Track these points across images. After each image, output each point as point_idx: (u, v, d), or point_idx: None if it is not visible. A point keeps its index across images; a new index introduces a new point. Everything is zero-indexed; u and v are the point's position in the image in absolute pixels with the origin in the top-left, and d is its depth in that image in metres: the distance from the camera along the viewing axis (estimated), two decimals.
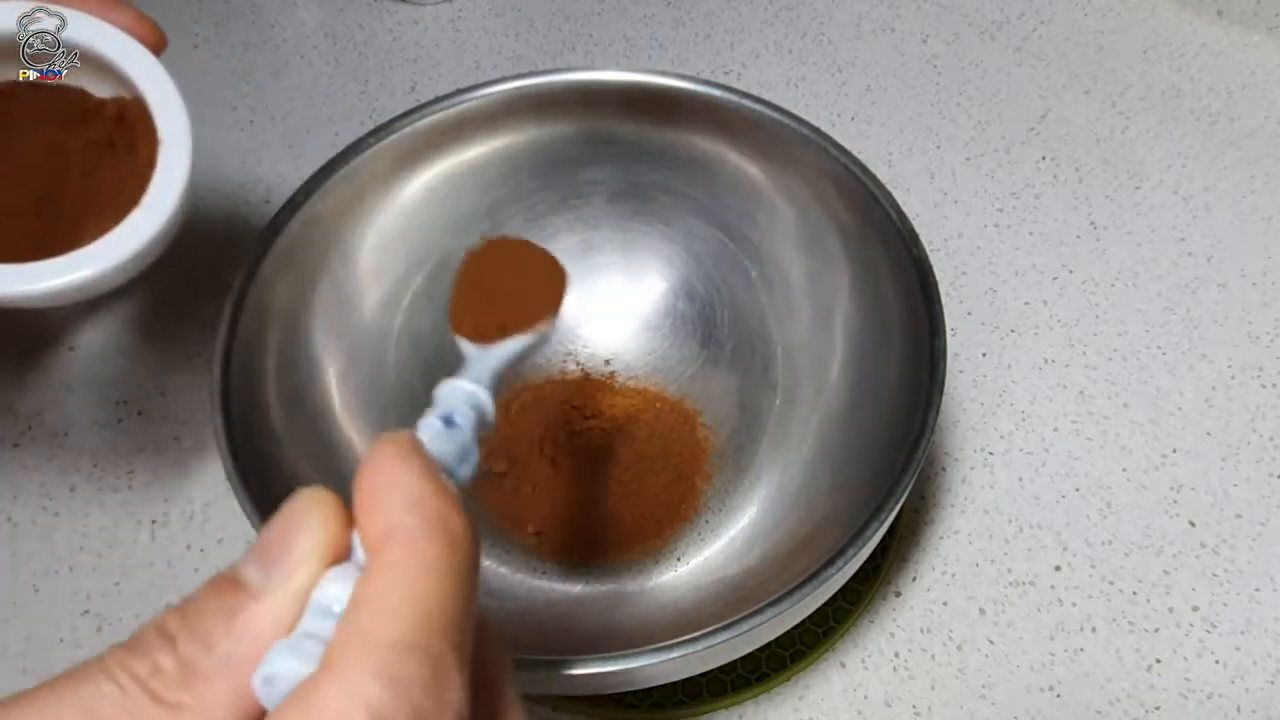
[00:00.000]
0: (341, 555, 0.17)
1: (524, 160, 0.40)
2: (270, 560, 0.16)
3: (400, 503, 0.16)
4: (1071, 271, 0.47)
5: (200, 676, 0.15)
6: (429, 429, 0.19)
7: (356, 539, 0.17)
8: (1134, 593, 0.38)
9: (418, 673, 0.15)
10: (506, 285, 0.24)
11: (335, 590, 0.16)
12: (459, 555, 0.16)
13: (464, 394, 0.21)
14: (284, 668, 0.15)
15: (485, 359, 0.22)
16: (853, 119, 0.53)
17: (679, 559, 0.37)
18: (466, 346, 0.23)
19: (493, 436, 0.41)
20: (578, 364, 0.42)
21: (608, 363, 0.42)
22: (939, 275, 0.33)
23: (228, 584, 0.16)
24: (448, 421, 0.20)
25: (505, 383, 0.42)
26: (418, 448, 0.17)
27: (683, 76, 0.38)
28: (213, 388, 0.32)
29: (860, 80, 0.54)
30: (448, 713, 0.15)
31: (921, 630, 0.38)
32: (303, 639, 0.16)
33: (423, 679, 0.15)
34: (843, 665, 0.37)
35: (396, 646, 0.15)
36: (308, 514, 0.17)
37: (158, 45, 0.30)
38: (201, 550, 0.40)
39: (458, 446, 0.19)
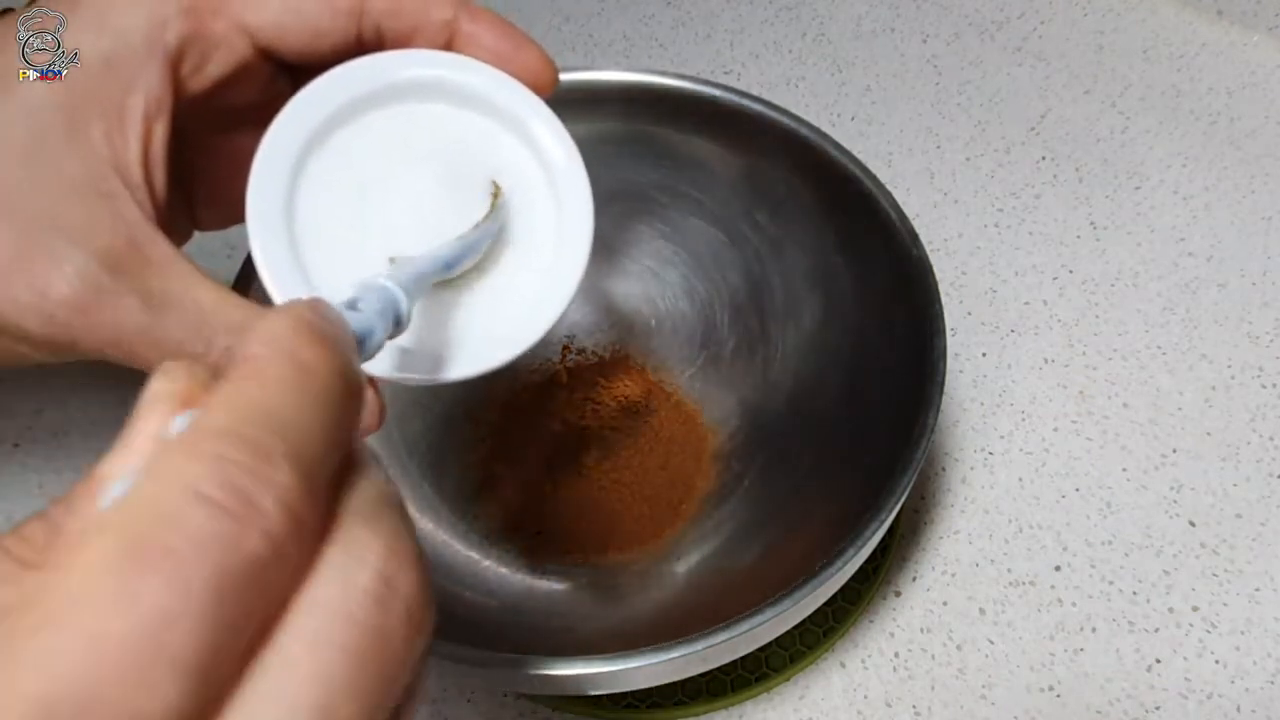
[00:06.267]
0: (195, 402, 0.17)
1: None
2: (132, 424, 0.16)
3: (261, 336, 0.16)
4: (1071, 271, 0.47)
5: (63, 535, 0.15)
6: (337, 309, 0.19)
7: None
8: (1134, 593, 0.38)
9: (237, 454, 0.14)
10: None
11: (179, 424, 0.16)
12: (308, 379, 0.16)
13: (377, 287, 0.20)
14: (123, 485, 0.15)
15: (412, 262, 0.22)
16: (853, 119, 0.53)
17: (679, 559, 0.37)
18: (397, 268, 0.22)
19: (493, 438, 0.41)
20: (577, 365, 0.42)
21: (607, 363, 0.42)
22: (939, 275, 0.33)
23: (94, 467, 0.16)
24: (351, 306, 0.19)
25: (505, 382, 0.42)
26: (299, 304, 0.17)
27: (683, 76, 0.38)
28: None
29: (860, 80, 0.54)
30: (271, 493, 0.15)
31: (921, 630, 0.38)
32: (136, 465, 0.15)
33: (242, 459, 0.14)
34: (843, 665, 0.37)
35: (217, 432, 0.14)
36: (159, 370, 0.17)
37: (551, 91, 0.26)
38: None
39: (358, 325, 0.19)
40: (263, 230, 0.23)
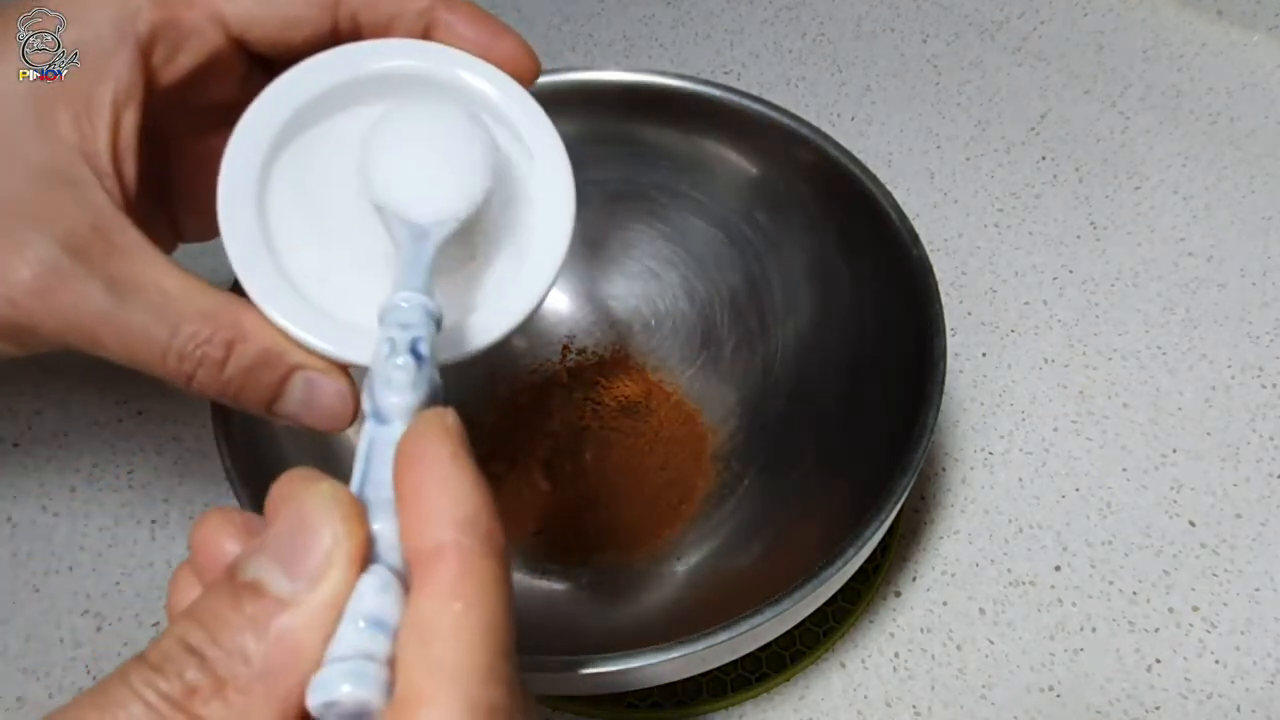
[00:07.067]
0: (366, 557, 0.16)
1: None
2: (293, 565, 0.16)
3: (455, 516, 0.16)
4: (1071, 271, 0.47)
5: (239, 692, 0.15)
6: (405, 372, 0.18)
7: (374, 533, 0.17)
8: (1134, 593, 0.38)
9: (504, 700, 0.15)
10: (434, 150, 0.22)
11: (376, 602, 0.16)
12: (507, 570, 0.16)
13: (420, 311, 0.19)
14: (346, 693, 0.15)
15: (421, 249, 0.21)
16: (853, 119, 0.53)
17: (679, 559, 0.37)
18: (399, 230, 0.21)
19: (493, 438, 0.41)
20: (577, 365, 0.42)
21: (607, 364, 0.42)
22: (939, 275, 0.33)
23: (248, 592, 0.16)
24: (417, 356, 0.19)
25: (505, 382, 0.42)
26: (464, 442, 0.17)
27: (683, 76, 0.38)
28: None
29: (860, 80, 0.54)
30: None
31: (921, 630, 0.38)
32: (361, 662, 0.15)
33: (508, 705, 0.15)
34: (843, 665, 0.37)
35: (481, 676, 0.15)
36: (326, 515, 0.16)
37: (533, 80, 0.26)
38: None
39: (430, 381, 0.19)
40: (235, 227, 0.23)
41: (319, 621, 0.16)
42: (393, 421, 0.18)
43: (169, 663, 0.15)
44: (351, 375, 0.24)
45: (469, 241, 0.25)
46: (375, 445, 0.18)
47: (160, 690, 0.15)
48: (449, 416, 0.17)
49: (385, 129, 0.23)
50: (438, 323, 0.20)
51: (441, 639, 0.15)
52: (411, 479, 0.16)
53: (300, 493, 0.16)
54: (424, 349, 0.19)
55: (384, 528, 0.17)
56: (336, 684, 0.15)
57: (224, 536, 0.18)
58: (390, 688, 0.15)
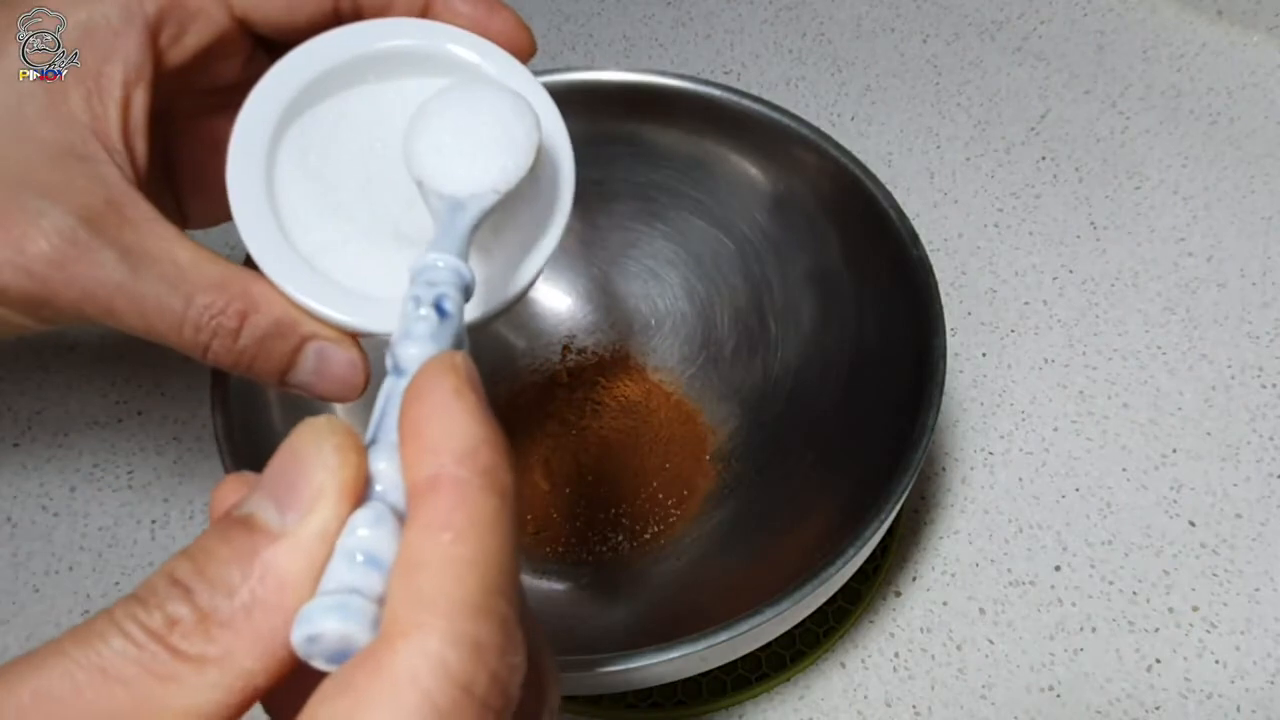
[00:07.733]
0: (361, 489, 0.16)
1: None
2: (285, 497, 0.15)
3: (452, 447, 0.15)
4: (1071, 271, 0.47)
5: (222, 626, 0.14)
6: (426, 324, 0.18)
7: (377, 471, 0.16)
8: (1134, 593, 0.38)
9: (493, 637, 0.14)
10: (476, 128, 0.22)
11: (369, 536, 0.15)
12: (509, 509, 0.15)
13: (451, 272, 0.19)
14: (330, 628, 0.14)
15: (458, 220, 0.21)
16: (853, 119, 0.53)
17: (678, 559, 0.37)
18: (436, 202, 0.21)
19: None
20: (577, 365, 0.42)
21: (607, 363, 0.42)
22: (939, 275, 0.33)
23: (239, 526, 0.15)
24: (441, 311, 0.18)
25: (505, 382, 0.42)
26: (473, 380, 0.16)
27: (683, 76, 0.38)
28: (213, 388, 0.32)
29: (860, 80, 0.54)
30: (517, 675, 0.15)
31: (921, 630, 0.38)
32: (347, 595, 0.15)
33: (498, 643, 0.14)
34: (843, 665, 0.37)
35: (468, 611, 0.14)
36: (320, 445, 0.16)
37: (529, 56, 0.26)
38: None
39: (453, 337, 0.18)
40: (245, 203, 0.23)
41: (307, 554, 0.15)
42: (409, 373, 0.18)
43: (153, 595, 0.15)
44: (363, 347, 0.24)
45: (513, 215, 0.25)
46: (391, 397, 0.17)
47: (141, 622, 0.14)
48: (458, 357, 0.17)
49: (429, 106, 0.23)
50: (468, 290, 0.20)
51: (426, 570, 0.14)
52: (413, 414, 0.16)
53: (301, 427, 0.16)
54: (449, 306, 0.19)
55: (387, 467, 0.16)
56: (320, 618, 0.14)
57: (238, 497, 0.17)
58: (380, 625, 0.15)
